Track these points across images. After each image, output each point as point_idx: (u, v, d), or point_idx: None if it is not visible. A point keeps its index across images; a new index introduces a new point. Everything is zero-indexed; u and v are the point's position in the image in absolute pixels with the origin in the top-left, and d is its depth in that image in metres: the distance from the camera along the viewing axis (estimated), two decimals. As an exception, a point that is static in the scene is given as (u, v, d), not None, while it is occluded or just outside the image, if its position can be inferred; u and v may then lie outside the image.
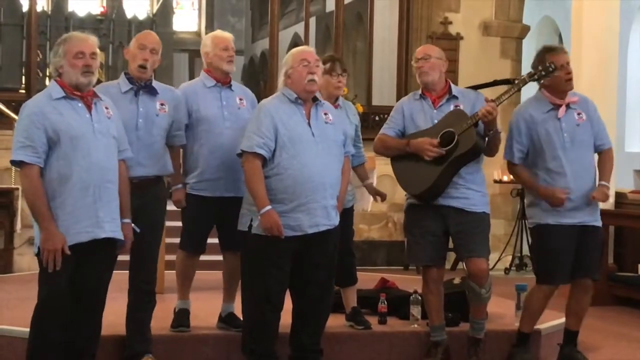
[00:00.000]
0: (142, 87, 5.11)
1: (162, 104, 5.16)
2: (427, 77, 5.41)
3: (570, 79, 5.43)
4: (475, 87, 5.58)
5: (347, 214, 5.67)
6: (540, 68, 5.28)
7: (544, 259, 5.54)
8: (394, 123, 5.51)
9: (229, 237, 5.48)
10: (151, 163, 5.08)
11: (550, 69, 5.25)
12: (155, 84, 5.19)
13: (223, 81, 5.55)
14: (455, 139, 5.22)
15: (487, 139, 5.29)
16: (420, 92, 5.50)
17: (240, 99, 5.57)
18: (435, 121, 5.36)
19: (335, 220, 5.02)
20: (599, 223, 5.54)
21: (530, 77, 5.29)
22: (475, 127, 5.24)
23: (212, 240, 5.60)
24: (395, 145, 5.44)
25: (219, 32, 5.72)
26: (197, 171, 5.46)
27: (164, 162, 5.17)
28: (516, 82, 5.36)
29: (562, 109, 5.41)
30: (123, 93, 5.09)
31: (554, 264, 5.48)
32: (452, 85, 5.50)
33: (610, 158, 5.58)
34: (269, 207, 4.81)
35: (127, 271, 5.09)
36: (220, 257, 5.68)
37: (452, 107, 5.38)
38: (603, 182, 5.48)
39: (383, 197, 5.98)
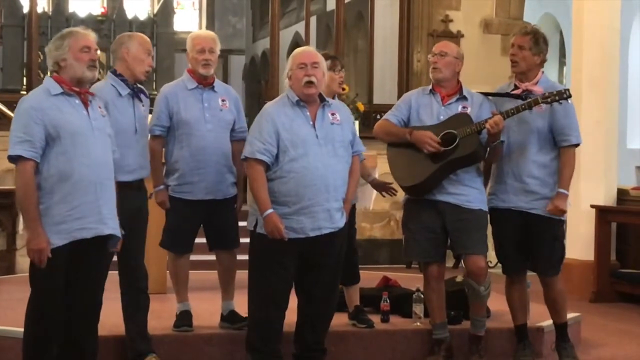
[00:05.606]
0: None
1: (223, 100, 5.49)
2: (439, 74, 5.39)
3: (512, 61, 5.39)
4: (487, 94, 5.53)
5: (350, 213, 5.68)
6: (555, 94, 5.16)
7: (494, 246, 5.57)
8: (399, 112, 5.48)
9: (218, 237, 5.51)
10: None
11: (565, 96, 5.16)
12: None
13: (205, 83, 5.49)
14: (456, 142, 5.22)
15: (489, 148, 5.31)
16: (431, 87, 5.46)
17: (223, 100, 5.52)
18: (442, 117, 5.34)
19: (339, 222, 4.99)
20: (544, 213, 5.28)
21: (543, 99, 5.17)
22: (478, 134, 5.23)
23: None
24: (396, 132, 5.41)
25: (197, 33, 5.67)
26: (177, 174, 5.42)
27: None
28: (527, 100, 5.22)
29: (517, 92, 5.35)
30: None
31: (498, 251, 5.54)
32: (464, 87, 5.46)
33: (570, 157, 5.32)
34: (270, 211, 4.81)
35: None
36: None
37: (460, 107, 5.36)
38: (561, 190, 5.30)
39: (391, 189, 5.78)
